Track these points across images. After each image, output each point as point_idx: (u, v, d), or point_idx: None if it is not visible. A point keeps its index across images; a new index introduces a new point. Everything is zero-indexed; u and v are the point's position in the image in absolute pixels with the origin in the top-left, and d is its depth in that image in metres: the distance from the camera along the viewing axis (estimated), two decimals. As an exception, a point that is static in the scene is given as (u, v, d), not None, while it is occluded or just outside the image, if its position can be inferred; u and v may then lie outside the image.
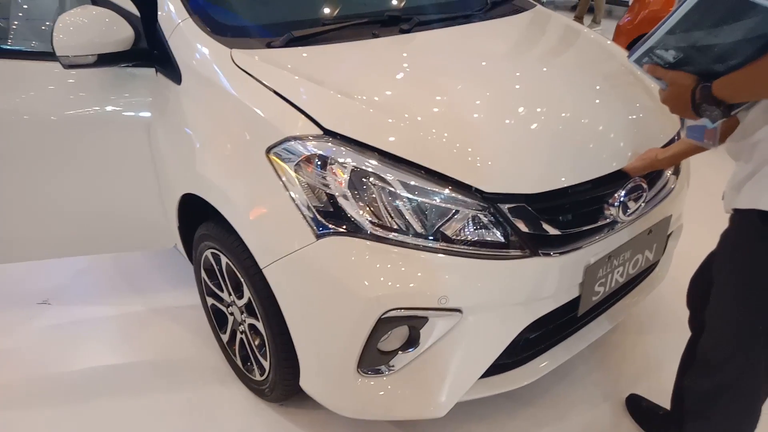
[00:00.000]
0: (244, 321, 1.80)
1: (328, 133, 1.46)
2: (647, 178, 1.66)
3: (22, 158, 1.93)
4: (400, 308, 1.38)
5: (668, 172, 1.82)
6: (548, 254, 1.47)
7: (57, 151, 1.95)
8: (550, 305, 1.53)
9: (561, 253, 1.48)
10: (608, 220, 1.58)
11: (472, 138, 1.48)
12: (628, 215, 1.60)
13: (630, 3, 4.67)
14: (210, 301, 2.00)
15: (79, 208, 2.06)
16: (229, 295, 1.84)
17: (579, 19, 7.30)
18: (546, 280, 1.49)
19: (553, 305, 1.54)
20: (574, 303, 1.60)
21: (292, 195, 1.44)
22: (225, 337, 1.99)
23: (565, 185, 1.49)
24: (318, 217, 1.41)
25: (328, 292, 1.41)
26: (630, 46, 3.90)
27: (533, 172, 1.47)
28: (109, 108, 1.89)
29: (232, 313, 1.89)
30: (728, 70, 1.08)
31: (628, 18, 4.44)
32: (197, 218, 1.87)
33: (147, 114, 1.89)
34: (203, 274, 1.95)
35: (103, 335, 2.24)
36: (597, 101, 1.72)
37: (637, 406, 1.86)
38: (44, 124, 1.88)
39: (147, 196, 2.02)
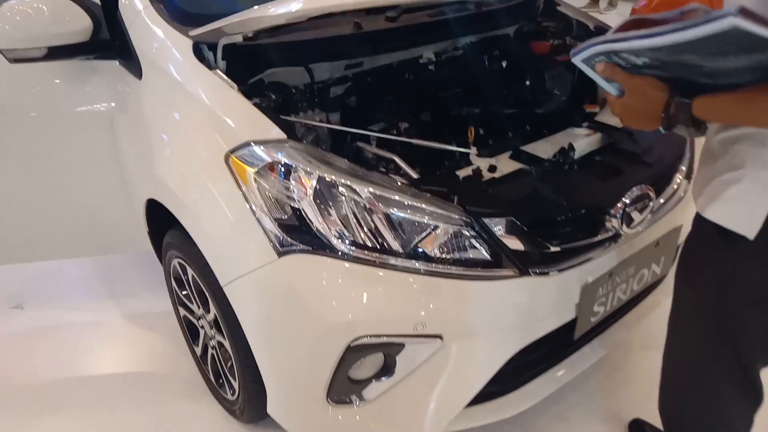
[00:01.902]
0: (214, 337, 1.67)
1: (294, 138, 1.31)
2: (654, 186, 1.49)
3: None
4: (371, 335, 1.23)
5: (679, 177, 1.65)
6: (540, 273, 1.31)
7: (19, 150, 1.82)
8: (541, 330, 1.37)
9: (555, 272, 1.32)
10: (609, 234, 1.41)
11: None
12: (633, 228, 1.44)
13: (646, -15, 4.41)
14: (182, 311, 1.87)
15: (45, 210, 1.94)
16: (198, 308, 1.71)
17: (595, 1, 7.01)
18: (537, 303, 1.33)
19: (546, 330, 1.38)
20: (570, 324, 1.45)
21: (253, 206, 1.29)
22: (198, 350, 1.86)
23: None
24: (281, 232, 1.27)
25: (292, 316, 1.27)
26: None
27: None
28: (70, 104, 1.75)
29: (202, 326, 1.76)
30: (715, 86, 0.87)
31: (644, 2, 4.19)
32: (167, 223, 1.73)
33: (110, 111, 1.74)
34: (173, 284, 1.82)
35: (74, 342, 2.12)
36: None
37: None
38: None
39: (115, 197, 1.89)
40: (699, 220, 1.09)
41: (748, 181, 0.97)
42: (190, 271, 1.61)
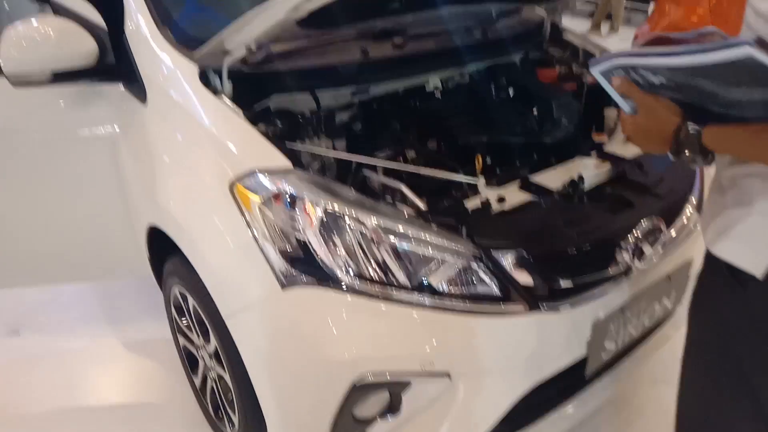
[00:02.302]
0: (213, 368, 1.62)
1: (299, 166, 1.29)
2: (665, 219, 1.46)
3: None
4: (377, 373, 1.19)
5: (689, 209, 1.62)
6: (550, 309, 1.27)
7: (20, 172, 1.80)
8: (551, 368, 1.33)
9: (566, 308, 1.29)
10: (621, 268, 1.38)
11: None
12: (644, 262, 1.40)
13: (649, 11, 4.45)
14: (181, 340, 1.83)
15: (45, 234, 1.91)
16: (198, 337, 1.67)
17: (597, 26, 7.06)
18: (548, 340, 1.30)
19: (556, 368, 1.34)
20: (581, 361, 1.41)
21: (257, 236, 1.26)
22: (197, 381, 1.81)
23: None
24: (285, 263, 1.23)
25: (296, 352, 1.24)
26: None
27: None
28: (73, 127, 1.73)
29: (202, 357, 1.71)
30: (728, 117, 0.84)
31: (647, 27, 4.22)
32: (169, 249, 1.69)
33: (113, 135, 1.72)
34: (173, 312, 1.78)
35: (71, 369, 2.08)
36: None
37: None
38: (1, 142, 1.73)
39: (116, 222, 1.86)
40: (709, 256, 1.06)
41: (756, 217, 0.94)
42: (191, 300, 1.58)
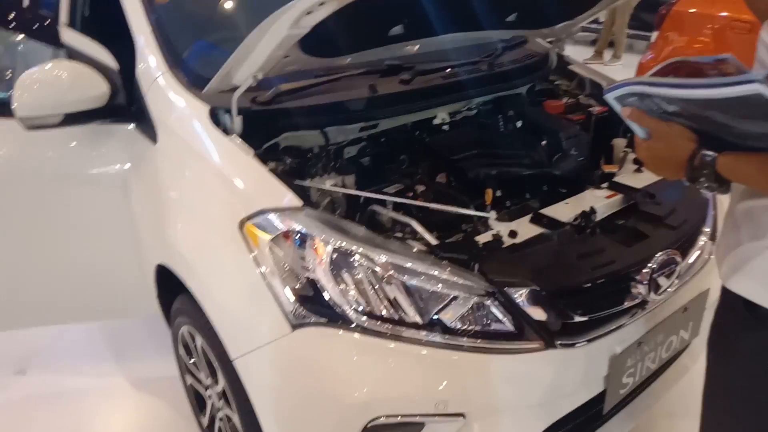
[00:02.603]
0: (222, 409, 1.59)
1: (309, 204, 1.29)
2: (680, 250, 1.44)
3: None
4: (389, 415, 1.17)
5: (703, 239, 1.59)
6: (566, 345, 1.25)
7: (30, 212, 1.81)
8: (569, 405, 1.30)
9: (582, 343, 1.26)
10: (636, 301, 1.35)
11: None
12: (660, 294, 1.38)
13: (652, 39, 4.49)
14: (189, 380, 1.80)
15: (55, 273, 1.90)
16: (207, 377, 1.64)
17: (599, 54, 7.13)
18: (564, 377, 1.27)
19: (573, 405, 1.31)
20: (598, 397, 1.37)
21: (267, 275, 1.25)
22: (204, 421, 1.78)
23: None
24: (295, 303, 1.22)
25: (306, 394, 1.21)
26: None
27: None
28: (83, 166, 1.75)
29: (210, 397, 1.69)
30: (742, 146, 0.84)
31: (652, 55, 4.25)
32: (177, 288, 1.68)
33: (124, 174, 1.73)
34: (181, 350, 1.76)
35: (78, 409, 2.04)
36: None
37: None
38: (12, 181, 1.74)
39: (125, 260, 1.85)
40: (725, 290, 1.04)
41: None
42: (198, 339, 1.56)
